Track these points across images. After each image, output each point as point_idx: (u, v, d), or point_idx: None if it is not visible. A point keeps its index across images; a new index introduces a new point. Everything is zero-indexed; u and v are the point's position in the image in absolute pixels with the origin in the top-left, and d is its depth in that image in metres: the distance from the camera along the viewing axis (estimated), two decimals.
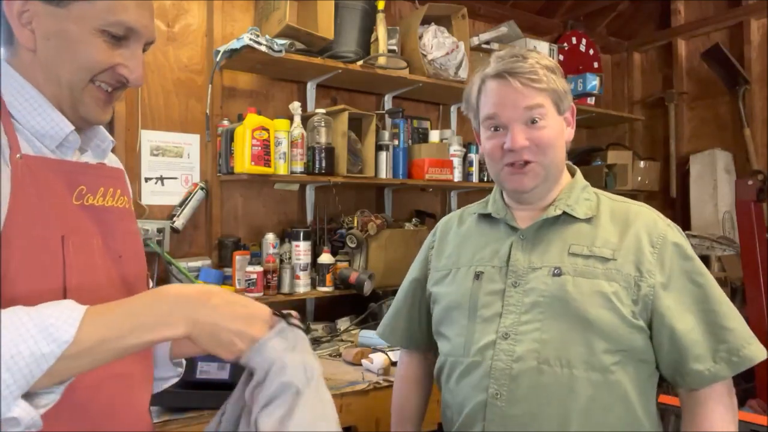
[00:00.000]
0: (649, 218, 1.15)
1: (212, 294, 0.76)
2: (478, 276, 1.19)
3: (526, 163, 1.13)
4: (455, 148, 2.87)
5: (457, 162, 2.85)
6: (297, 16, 2.39)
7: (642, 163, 3.55)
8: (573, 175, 1.25)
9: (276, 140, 2.31)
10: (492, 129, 1.16)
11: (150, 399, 0.97)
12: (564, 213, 1.16)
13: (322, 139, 2.42)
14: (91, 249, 0.83)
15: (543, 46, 3.19)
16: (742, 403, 2.46)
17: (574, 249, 1.13)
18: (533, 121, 1.12)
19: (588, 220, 1.16)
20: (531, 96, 1.12)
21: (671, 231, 1.14)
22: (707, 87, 3.56)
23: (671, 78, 3.72)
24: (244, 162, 2.22)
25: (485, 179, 2.97)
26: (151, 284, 1.02)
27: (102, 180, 0.89)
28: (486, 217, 1.27)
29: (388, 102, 2.93)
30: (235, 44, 2.23)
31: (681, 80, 3.69)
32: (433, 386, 1.38)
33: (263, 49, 2.21)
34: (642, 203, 1.21)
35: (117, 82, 0.87)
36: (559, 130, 1.16)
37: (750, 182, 2.56)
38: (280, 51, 2.26)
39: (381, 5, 2.59)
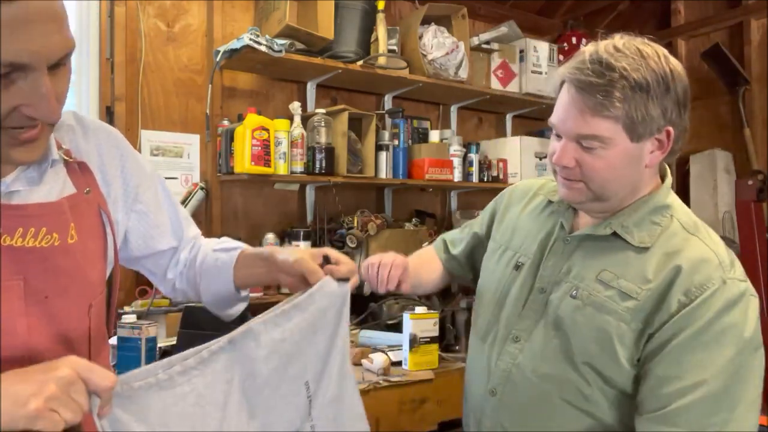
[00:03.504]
0: (703, 260, 0.96)
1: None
2: (518, 267, 1.14)
3: (573, 179, 1.03)
4: (455, 148, 2.87)
5: (457, 162, 2.85)
6: (297, 16, 2.39)
7: None
8: (663, 180, 1.09)
9: (276, 140, 2.31)
10: (555, 132, 1.06)
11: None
12: (615, 233, 1.03)
13: (322, 139, 2.42)
14: (8, 290, 0.78)
15: (543, 46, 3.19)
16: None
17: (604, 276, 1.01)
18: (588, 146, 0.99)
19: (639, 249, 1.01)
20: (590, 125, 0.97)
21: (722, 289, 0.93)
22: (707, 87, 3.55)
23: None
24: (244, 162, 2.22)
25: (485, 179, 2.97)
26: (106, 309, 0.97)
27: (22, 220, 0.81)
28: (552, 204, 1.17)
29: (388, 102, 2.93)
30: (235, 44, 2.23)
31: None
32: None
33: (263, 49, 2.21)
34: (714, 241, 1.02)
35: (30, 121, 0.73)
36: (623, 161, 0.99)
37: (750, 182, 2.56)
38: (280, 51, 2.26)
39: (381, 5, 2.59)
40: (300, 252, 1.02)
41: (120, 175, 0.98)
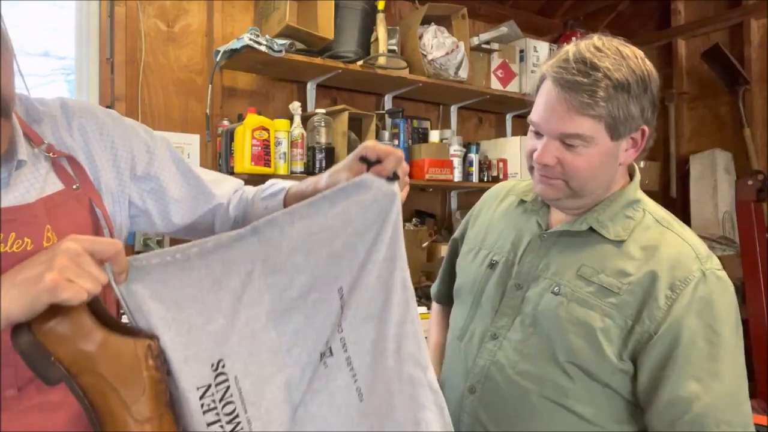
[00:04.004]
0: (682, 254, 0.99)
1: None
2: (492, 265, 1.15)
3: (551, 177, 1.04)
4: (455, 148, 2.87)
5: (457, 162, 2.85)
6: (297, 16, 2.39)
7: (642, 163, 3.55)
8: (632, 177, 1.11)
9: (276, 140, 2.31)
10: (533, 130, 1.06)
11: None
12: (591, 228, 1.05)
13: (322, 139, 2.42)
14: None
15: (543, 46, 3.19)
16: None
17: (584, 271, 1.03)
18: (570, 144, 1.00)
19: (616, 242, 1.03)
20: (574, 123, 0.98)
21: (703, 280, 0.97)
22: (707, 87, 3.56)
23: (671, 78, 3.72)
24: (244, 162, 2.22)
25: (485, 179, 2.97)
26: None
27: None
28: (524, 204, 1.19)
29: (388, 102, 2.93)
30: (235, 44, 2.23)
31: (681, 80, 3.69)
32: None
33: (263, 49, 2.21)
34: (689, 234, 1.05)
35: None
36: (603, 158, 1.01)
37: (750, 182, 2.56)
38: (280, 51, 2.26)
39: (381, 5, 2.59)
40: (335, 166, 0.92)
41: (112, 162, 0.92)
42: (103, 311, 0.73)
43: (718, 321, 0.96)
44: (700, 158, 3.49)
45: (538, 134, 1.04)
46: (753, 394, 2.38)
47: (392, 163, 0.85)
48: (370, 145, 0.86)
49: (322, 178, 0.92)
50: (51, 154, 0.85)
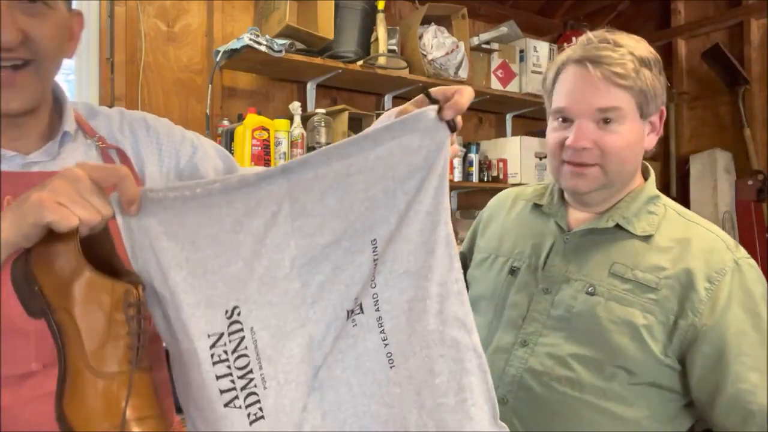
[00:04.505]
0: (714, 247, 1.00)
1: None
2: (513, 271, 1.11)
3: (587, 165, 1.01)
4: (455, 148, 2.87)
5: (457, 162, 2.85)
6: (297, 16, 2.39)
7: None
8: (646, 178, 1.11)
9: (276, 140, 2.31)
10: (559, 120, 1.04)
11: None
12: (617, 225, 1.04)
13: (322, 139, 2.42)
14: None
15: (543, 46, 3.19)
16: None
17: (617, 269, 1.01)
18: (606, 121, 0.99)
19: (643, 238, 1.02)
20: (610, 95, 0.98)
21: (737, 269, 0.97)
22: (707, 87, 3.55)
23: (671, 78, 3.71)
24: (244, 162, 2.22)
25: (485, 179, 2.97)
26: None
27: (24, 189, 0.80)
28: (538, 207, 1.16)
29: (388, 102, 2.93)
30: (235, 44, 2.23)
31: (681, 80, 3.68)
32: None
33: (263, 49, 2.21)
34: (714, 227, 1.05)
35: None
36: (636, 138, 1.02)
37: (750, 182, 2.57)
38: (280, 51, 2.26)
39: (381, 5, 2.59)
40: (403, 106, 0.84)
41: (157, 157, 0.95)
42: (108, 248, 0.68)
43: (759, 306, 0.96)
44: (700, 158, 3.49)
45: (565, 122, 1.03)
46: None
47: (459, 104, 0.74)
48: (437, 90, 0.77)
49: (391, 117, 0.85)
50: (101, 144, 0.89)
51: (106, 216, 0.63)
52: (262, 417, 0.71)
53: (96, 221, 0.62)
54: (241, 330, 0.70)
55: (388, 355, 0.76)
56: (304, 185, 0.72)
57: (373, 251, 0.75)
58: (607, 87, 0.98)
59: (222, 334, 0.69)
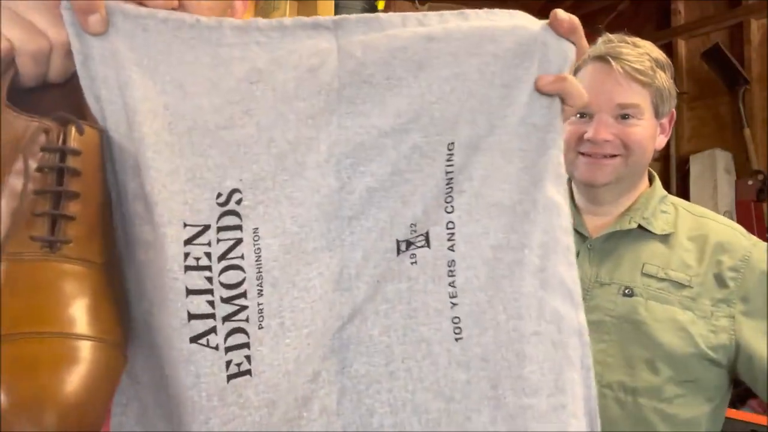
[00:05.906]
0: (730, 238, 1.03)
1: None
2: None
3: (609, 156, 1.02)
4: None
5: None
6: (297, 16, 2.39)
7: None
8: (651, 182, 1.13)
9: None
10: (577, 115, 1.04)
11: None
12: (639, 226, 1.05)
13: None
14: None
15: None
16: (742, 403, 2.45)
17: (648, 269, 1.02)
18: (624, 117, 1.01)
19: (664, 237, 1.05)
20: (631, 91, 1.01)
21: (756, 252, 1.01)
22: (707, 87, 3.55)
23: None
24: None
25: None
26: None
27: None
28: None
29: None
30: None
31: (681, 80, 3.68)
32: None
33: None
34: (722, 218, 1.09)
35: None
36: (651, 134, 1.05)
37: (750, 182, 2.57)
38: None
39: (381, 5, 2.58)
40: None
41: None
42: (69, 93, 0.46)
43: None
44: (700, 158, 3.49)
45: (583, 117, 1.04)
46: (753, 395, 2.38)
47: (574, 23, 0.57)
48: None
49: None
50: None
51: (55, 40, 0.42)
52: (248, 372, 0.45)
53: (38, 48, 0.42)
54: (239, 228, 0.46)
55: (455, 321, 0.50)
56: (364, 42, 0.49)
57: (447, 160, 0.50)
58: (628, 83, 1.00)
59: (207, 228, 0.45)
